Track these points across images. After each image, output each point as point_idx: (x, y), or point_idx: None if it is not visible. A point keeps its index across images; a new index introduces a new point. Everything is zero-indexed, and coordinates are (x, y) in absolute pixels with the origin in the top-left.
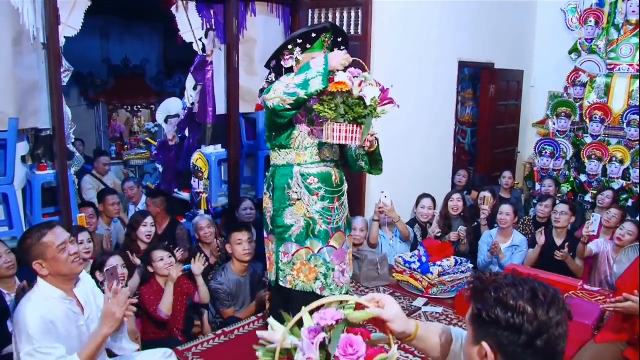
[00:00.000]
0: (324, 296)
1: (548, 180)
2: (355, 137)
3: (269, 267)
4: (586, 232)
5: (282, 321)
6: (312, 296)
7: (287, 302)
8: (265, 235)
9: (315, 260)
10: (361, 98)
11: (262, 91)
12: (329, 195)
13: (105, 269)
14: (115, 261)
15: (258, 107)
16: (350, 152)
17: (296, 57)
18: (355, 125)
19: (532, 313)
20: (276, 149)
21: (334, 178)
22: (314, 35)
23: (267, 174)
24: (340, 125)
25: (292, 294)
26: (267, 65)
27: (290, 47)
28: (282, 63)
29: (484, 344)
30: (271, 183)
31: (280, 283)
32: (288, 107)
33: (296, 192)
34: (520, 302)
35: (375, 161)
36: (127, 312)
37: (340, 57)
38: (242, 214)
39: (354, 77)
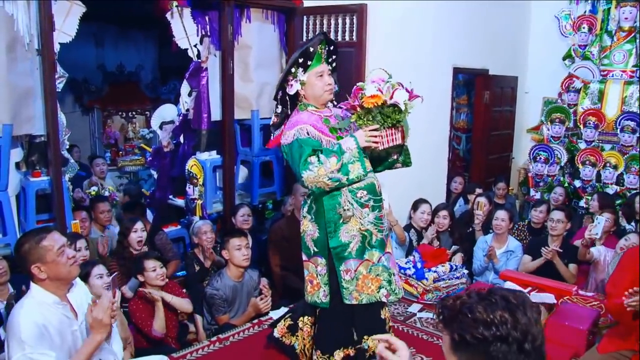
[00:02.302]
0: (388, 302)
1: (559, 189)
2: (397, 138)
3: (310, 290)
4: (588, 235)
5: (347, 342)
6: (377, 305)
7: (346, 318)
8: (306, 258)
9: (375, 269)
10: (395, 105)
11: (273, 126)
12: (377, 204)
13: (110, 277)
14: (99, 270)
15: (274, 142)
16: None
17: (300, 80)
18: (394, 128)
19: (512, 319)
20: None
21: (377, 187)
22: (311, 49)
23: (305, 198)
24: (382, 132)
25: (356, 308)
26: (275, 97)
27: (293, 70)
28: (287, 91)
29: None
30: (313, 206)
31: (346, 301)
32: (329, 189)
33: (348, 209)
34: (498, 312)
35: (406, 151)
36: (113, 315)
37: (364, 136)
38: (239, 220)
39: (380, 84)
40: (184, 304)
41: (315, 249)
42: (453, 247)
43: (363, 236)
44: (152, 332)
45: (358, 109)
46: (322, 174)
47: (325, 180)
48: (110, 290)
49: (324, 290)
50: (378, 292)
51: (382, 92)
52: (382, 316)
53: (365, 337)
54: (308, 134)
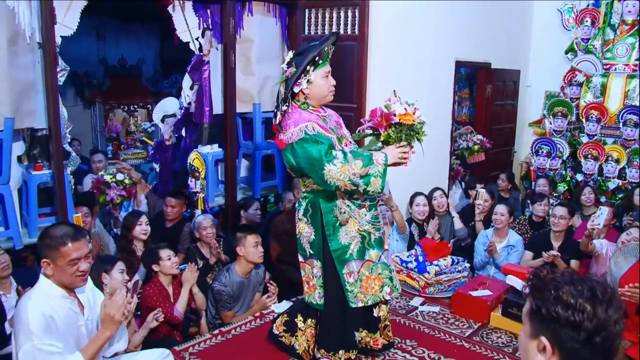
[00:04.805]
0: (389, 300)
1: (542, 180)
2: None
3: (307, 290)
4: (591, 225)
5: (350, 346)
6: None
7: (345, 319)
8: (302, 260)
9: (377, 268)
10: (421, 123)
11: (278, 125)
12: (373, 203)
13: (132, 281)
14: (121, 266)
15: (280, 144)
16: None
17: (308, 79)
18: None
19: (591, 311)
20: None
21: None
22: (326, 49)
23: (300, 200)
24: (409, 149)
25: (355, 309)
26: (285, 96)
27: (308, 67)
28: (293, 88)
29: (543, 339)
30: (309, 209)
31: (352, 304)
32: (344, 190)
33: (345, 212)
34: (580, 300)
35: None
36: (126, 313)
37: (396, 153)
38: (252, 215)
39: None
40: (203, 300)
41: (311, 252)
42: (453, 239)
43: (362, 237)
44: (174, 312)
45: (390, 128)
46: (345, 172)
47: (345, 180)
48: (129, 292)
49: (319, 292)
50: (381, 291)
51: (407, 110)
52: (375, 314)
53: (360, 329)
54: (314, 130)
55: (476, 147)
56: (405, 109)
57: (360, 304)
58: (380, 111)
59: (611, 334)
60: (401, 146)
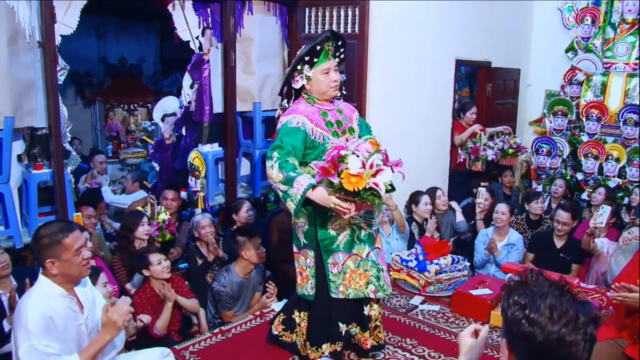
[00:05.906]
0: (377, 299)
1: (560, 181)
2: (366, 206)
3: (300, 282)
4: (593, 224)
5: (335, 338)
6: (364, 301)
7: (332, 312)
8: (296, 250)
9: (364, 265)
10: (373, 192)
11: (277, 119)
12: None
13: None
14: (104, 278)
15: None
16: None
17: (306, 75)
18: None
19: (543, 326)
20: (307, 166)
21: None
22: (318, 47)
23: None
24: (352, 205)
25: (341, 301)
26: (281, 92)
27: (299, 67)
28: (293, 85)
29: (503, 342)
30: None
31: (332, 295)
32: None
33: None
34: (533, 315)
35: None
36: (126, 319)
37: (329, 201)
38: (244, 217)
39: (365, 155)
40: (194, 305)
41: (305, 241)
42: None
43: (352, 230)
44: (153, 330)
45: (334, 181)
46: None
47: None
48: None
49: (311, 283)
50: (366, 287)
51: (364, 169)
52: (366, 313)
53: (354, 324)
54: (298, 124)
55: (511, 150)
56: (360, 168)
57: (341, 296)
58: (333, 157)
59: (561, 355)
60: (342, 199)
